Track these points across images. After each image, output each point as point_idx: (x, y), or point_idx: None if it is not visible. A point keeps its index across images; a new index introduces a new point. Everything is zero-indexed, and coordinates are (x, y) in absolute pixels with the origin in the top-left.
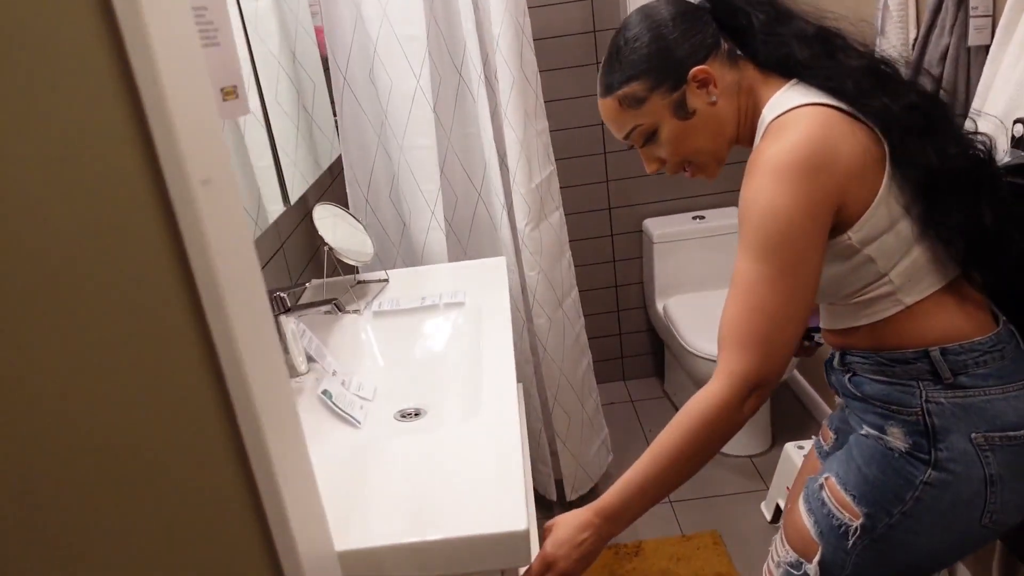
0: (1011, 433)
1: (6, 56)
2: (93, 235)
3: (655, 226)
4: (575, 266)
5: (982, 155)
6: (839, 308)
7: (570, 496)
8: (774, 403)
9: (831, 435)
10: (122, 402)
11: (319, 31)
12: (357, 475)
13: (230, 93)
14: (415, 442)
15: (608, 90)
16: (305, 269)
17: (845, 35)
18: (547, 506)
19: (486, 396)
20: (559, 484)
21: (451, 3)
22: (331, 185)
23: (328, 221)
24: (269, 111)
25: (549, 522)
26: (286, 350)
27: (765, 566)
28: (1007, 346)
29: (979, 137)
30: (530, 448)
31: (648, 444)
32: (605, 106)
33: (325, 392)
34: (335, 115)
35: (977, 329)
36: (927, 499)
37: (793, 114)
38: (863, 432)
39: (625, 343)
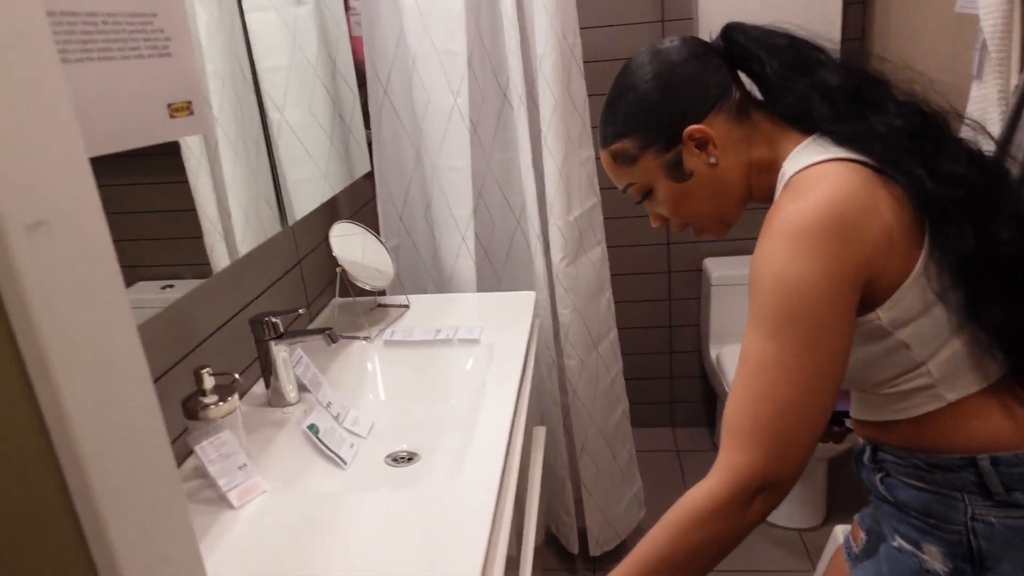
0: None
1: None
2: None
3: (715, 267)
4: (626, 301)
5: None
6: (871, 397)
7: (594, 551)
8: (831, 471)
9: (862, 536)
10: None
11: (358, 41)
12: (325, 522)
13: (181, 109)
14: (394, 497)
15: (604, 142)
16: (326, 289)
17: (888, 84)
18: (568, 558)
19: (473, 453)
20: (583, 535)
21: (497, 19)
22: (364, 205)
23: (347, 240)
24: (301, 122)
25: None
26: (276, 378)
27: None
28: None
29: None
30: (553, 496)
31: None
32: (604, 159)
33: (311, 427)
34: (367, 127)
35: None
36: None
37: (816, 169)
38: (895, 544)
39: (676, 387)
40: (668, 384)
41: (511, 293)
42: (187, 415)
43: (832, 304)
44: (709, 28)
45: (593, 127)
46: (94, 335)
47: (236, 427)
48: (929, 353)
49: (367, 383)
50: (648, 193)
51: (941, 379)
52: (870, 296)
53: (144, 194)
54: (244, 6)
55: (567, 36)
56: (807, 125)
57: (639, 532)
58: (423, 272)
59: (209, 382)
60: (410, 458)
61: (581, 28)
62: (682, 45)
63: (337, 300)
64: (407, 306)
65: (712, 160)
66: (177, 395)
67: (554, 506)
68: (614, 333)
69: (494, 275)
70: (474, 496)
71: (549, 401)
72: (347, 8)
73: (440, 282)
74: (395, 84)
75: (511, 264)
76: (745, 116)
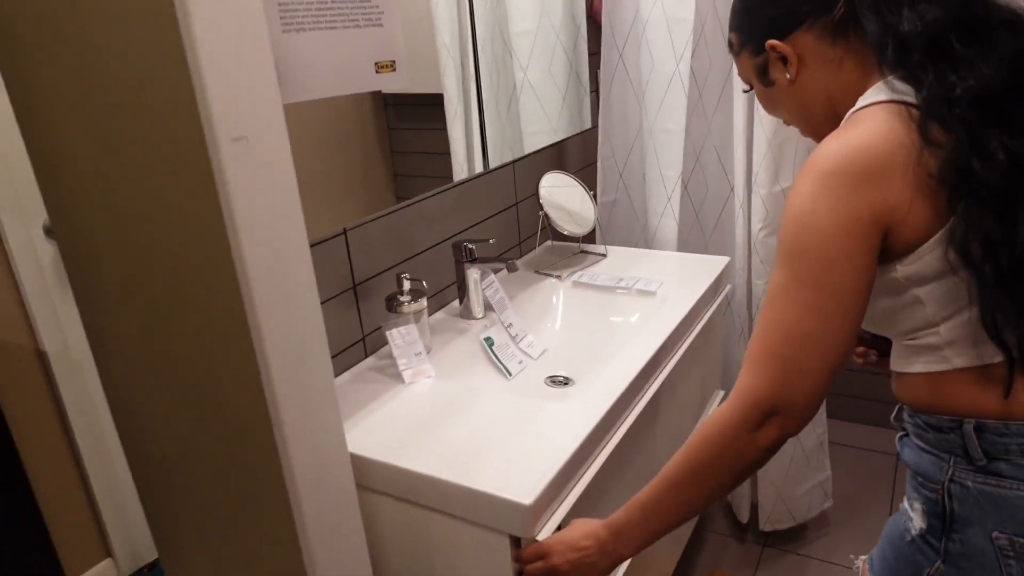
0: None
1: None
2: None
3: None
4: None
5: None
6: (898, 347)
7: (763, 525)
8: None
9: None
10: None
11: (598, 5)
12: (464, 410)
13: (385, 66)
14: (531, 406)
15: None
16: (542, 229)
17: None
18: (738, 526)
19: (602, 385)
20: (754, 509)
21: None
22: (593, 163)
23: (556, 189)
24: (539, 81)
25: (560, 526)
26: (467, 295)
27: None
28: None
29: None
30: None
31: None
32: None
33: (488, 339)
34: (593, 90)
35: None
36: None
37: (869, 110)
38: (903, 505)
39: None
40: (883, 380)
41: (704, 256)
42: (387, 308)
43: (842, 244)
44: None
45: None
46: (272, 222)
47: (423, 324)
48: (943, 316)
49: (548, 314)
50: (751, 86)
51: (949, 343)
52: (892, 246)
53: (419, 137)
54: None
55: None
56: (891, 63)
57: (822, 521)
58: (636, 227)
59: (406, 285)
60: (566, 382)
61: None
62: None
63: (550, 242)
64: (605, 255)
65: (789, 76)
66: (385, 292)
67: None
68: None
69: (702, 238)
70: (580, 415)
71: (735, 367)
72: None
73: (646, 238)
74: (629, 49)
75: (720, 228)
76: (842, 37)
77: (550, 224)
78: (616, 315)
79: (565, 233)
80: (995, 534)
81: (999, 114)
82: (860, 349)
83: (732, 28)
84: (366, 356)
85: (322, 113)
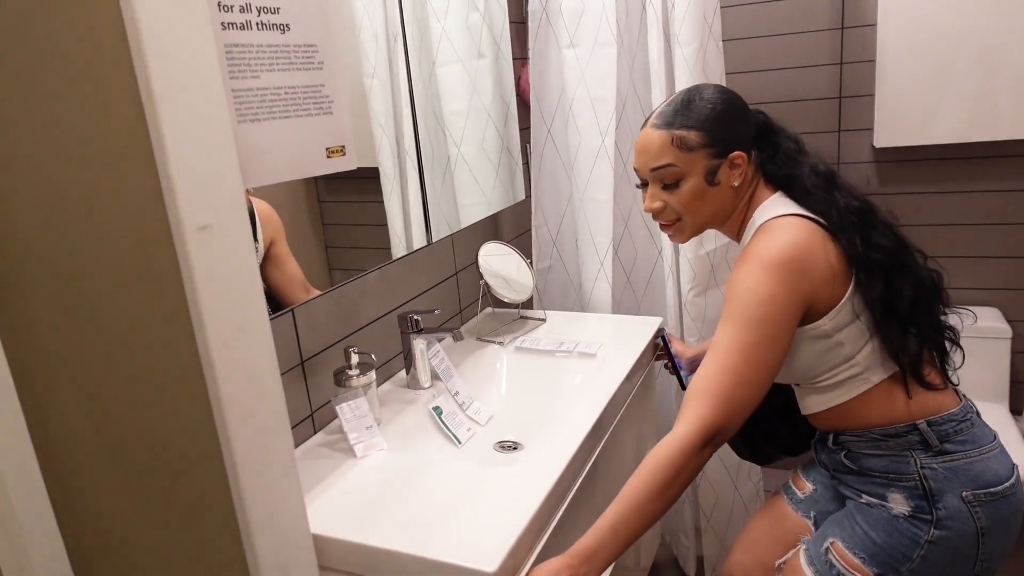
0: (992, 489)
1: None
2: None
3: None
4: None
5: (930, 287)
6: (815, 394)
7: (709, 575)
8: None
9: (808, 486)
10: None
11: (524, 78)
12: (419, 480)
13: (336, 151)
14: (483, 473)
15: (667, 125)
16: (482, 296)
17: (843, 181)
18: None
19: (552, 447)
20: (700, 562)
21: (646, 71)
22: (524, 232)
23: (494, 258)
24: (473, 156)
25: (527, 572)
26: (413, 366)
27: None
28: (972, 415)
29: (932, 273)
30: (675, 518)
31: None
32: (654, 136)
33: (436, 408)
34: (524, 160)
35: (949, 403)
36: (931, 556)
37: (785, 220)
38: (863, 501)
39: None
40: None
41: (638, 317)
42: (336, 382)
43: (784, 316)
44: (885, 35)
45: None
46: (235, 308)
47: (372, 397)
48: (856, 349)
49: (493, 380)
50: (674, 183)
51: (866, 367)
52: (816, 311)
53: (351, 210)
54: (436, 59)
55: (712, 78)
56: (785, 187)
57: None
58: (571, 292)
59: (354, 358)
60: (515, 447)
61: (732, 73)
62: (739, 98)
63: (490, 309)
64: (544, 320)
65: (735, 183)
66: (332, 367)
67: (675, 528)
68: None
69: (635, 300)
70: (533, 482)
71: (670, 419)
72: (521, 59)
73: (582, 302)
74: (557, 125)
75: (651, 290)
76: (752, 167)
77: (490, 292)
78: (559, 378)
79: (505, 300)
80: (963, 494)
81: (871, 222)
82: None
83: (686, 127)
84: (315, 432)
85: (254, 192)
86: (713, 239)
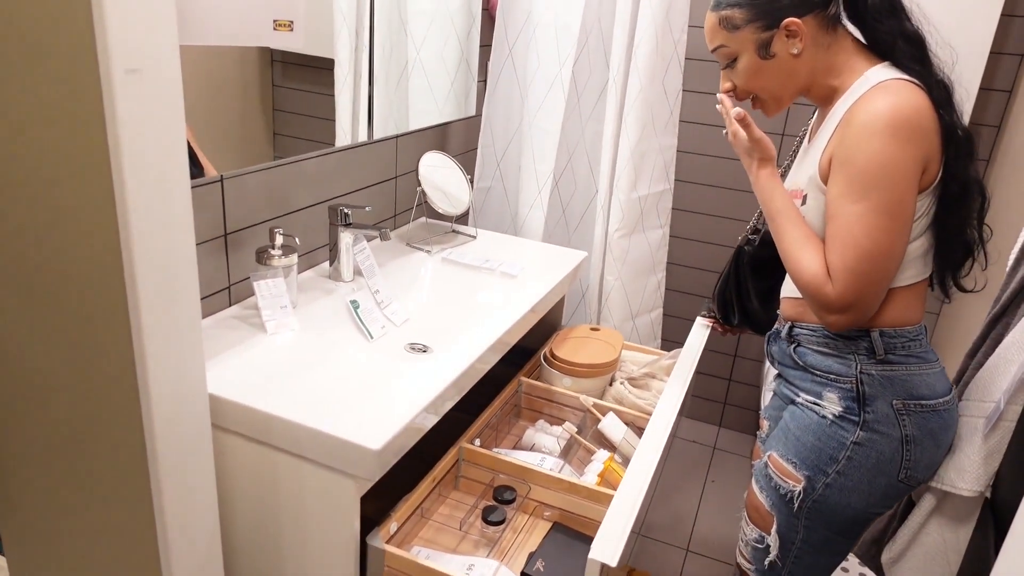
0: (923, 402)
1: None
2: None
3: None
4: (703, 296)
5: (982, 193)
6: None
7: None
8: None
9: (767, 424)
10: None
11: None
12: (322, 362)
13: (284, 25)
14: (386, 365)
15: (716, 6)
16: (418, 205)
17: (931, 48)
18: None
19: (456, 353)
20: None
21: (615, 2)
22: (473, 149)
23: (436, 169)
24: (432, 64)
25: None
26: (338, 258)
27: (736, 548)
28: (923, 337)
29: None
30: None
31: (702, 496)
32: (709, 19)
33: (353, 302)
34: (480, 78)
35: (912, 320)
36: (857, 458)
37: (899, 83)
38: (800, 400)
39: (732, 391)
40: (725, 385)
41: (564, 248)
42: (257, 260)
43: (908, 183)
44: None
45: (682, 120)
46: (159, 154)
47: (291, 281)
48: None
49: (415, 285)
50: (733, 61)
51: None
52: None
53: (302, 99)
54: None
55: (672, 31)
56: (881, 53)
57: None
58: (507, 215)
59: (279, 240)
60: (424, 349)
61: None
62: None
63: (424, 219)
64: (475, 236)
65: (795, 51)
66: (256, 245)
67: None
68: (657, 313)
69: (566, 233)
70: (435, 378)
71: None
72: None
73: (515, 226)
74: (518, 47)
75: (584, 226)
76: (832, 28)
77: (426, 201)
78: (477, 292)
79: (439, 211)
80: (893, 401)
81: (953, 105)
82: (720, 329)
83: (730, 6)
84: (230, 304)
85: (204, 58)
86: (648, 184)
